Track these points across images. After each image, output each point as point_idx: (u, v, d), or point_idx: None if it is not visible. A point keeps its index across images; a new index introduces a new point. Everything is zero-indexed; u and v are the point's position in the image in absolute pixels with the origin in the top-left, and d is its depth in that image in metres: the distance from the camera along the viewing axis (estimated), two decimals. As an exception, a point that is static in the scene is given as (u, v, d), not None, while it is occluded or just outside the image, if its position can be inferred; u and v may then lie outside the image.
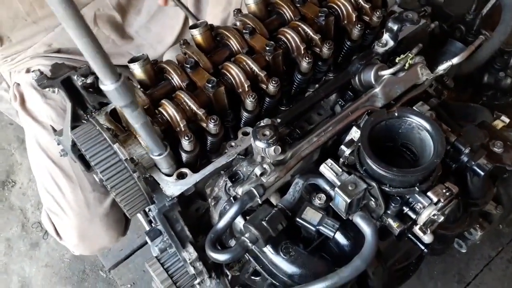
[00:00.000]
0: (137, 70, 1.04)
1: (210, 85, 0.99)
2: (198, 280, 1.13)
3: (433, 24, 1.32)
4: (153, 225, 1.28)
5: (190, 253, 1.05)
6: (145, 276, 2.10)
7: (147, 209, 1.10)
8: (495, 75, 1.55)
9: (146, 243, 2.17)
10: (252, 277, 1.24)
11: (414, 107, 1.00)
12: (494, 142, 1.06)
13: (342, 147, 0.97)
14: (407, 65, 1.05)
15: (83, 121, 1.15)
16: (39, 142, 1.46)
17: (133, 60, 1.04)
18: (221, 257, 0.89)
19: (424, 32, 1.25)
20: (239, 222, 0.98)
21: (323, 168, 0.91)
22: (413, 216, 0.91)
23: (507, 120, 1.15)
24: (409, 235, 1.00)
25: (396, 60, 1.06)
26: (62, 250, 2.31)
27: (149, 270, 1.15)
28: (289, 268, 0.95)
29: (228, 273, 1.14)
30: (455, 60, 1.07)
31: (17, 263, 2.34)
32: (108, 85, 0.73)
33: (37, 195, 2.42)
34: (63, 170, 1.43)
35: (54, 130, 1.23)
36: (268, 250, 0.96)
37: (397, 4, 1.25)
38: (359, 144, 0.89)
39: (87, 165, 1.17)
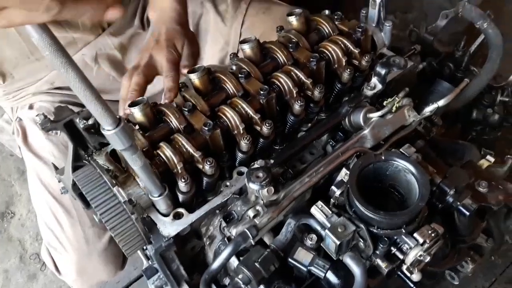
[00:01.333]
0: (137, 113, 1.09)
1: (206, 128, 1.04)
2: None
3: (421, 65, 1.38)
4: (149, 262, 1.31)
5: (185, 291, 1.07)
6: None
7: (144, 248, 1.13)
8: (483, 111, 1.60)
9: (142, 275, 2.17)
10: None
11: (401, 149, 1.05)
12: (479, 182, 1.10)
13: (333, 187, 1.01)
14: (394, 108, 1.10)
15: (84, 161, 1.20)
16: (40, 177, 1.50)
17: (133, 104, 1.09)
18: (215, 298, 0.91)
19: (412, 73, 1.31)
20: (233, 261, 1.01)
21: (314, 210, 0.94)
22: (401, 256, 0.94)
23: (492, 160, 1.20)
24: (399, 272, 1.03)
25: (384, 103, 1.11)
26: (59, 282, 2.31)
27: (145, 308, 1.17)
28: (282, 307, 0.97)
29: (223, 311, 1.16)
30: (440, 103, 1.12)
31: (14, 295, 2.35)
32: (108, 130, 0.77)
33: (36, 227, 2.44)
34: (63, 206, 1.47)
35: (56, 168, 1.27)
36: (261, 290, 0.98)
37: (386, 46, 1.31)
38: (348, 186, 0.93)
39: (86, 203, 1.21)
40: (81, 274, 1.50)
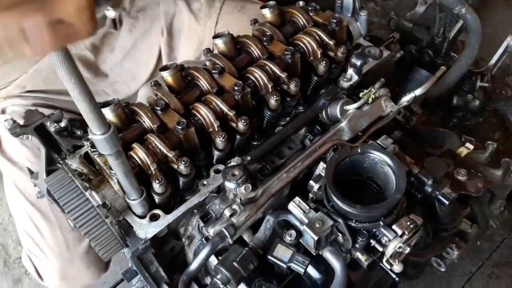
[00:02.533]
0: (109, 114, 1.06)
1: (180, 127, 1.02)
2: (176, 319, 1.13)
3: (398, 53, 1.37)
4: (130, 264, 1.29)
5: (166, 293, 1.06)
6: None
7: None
8: (464, 97, 1.60)
9: (130, 275, 2.15)
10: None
11: (378, 141, 1.04)
12: (458, 170, 1.10)
13: (311, 182, 1.00)
14: (370, 99, 1.09)
15: (58, 164, 1.17)
16: (16, 184, 1.46)
17: (104, 104, 1.06)
18: (194, 299, 0.90)
19: (389, 63, 1.29)
20: (213, 260, 1.00)
21: (291, 206, 0.93)
22: (380, 249, 0.93)
23: (471, 147, 1.19)
24: (381, 264, 1.02)
25: (360, 95, 1.10)
26: (45, 286, 2.28)
27: (127, 311, 1.15)
28: (263, 305, 0.96)
29: (206, 310, 1.15)
30: (417, 92, 1.11)
31: (0, 301, 2.31)
32: (97, 135, 0.77)
33: (18, 234, 2.40)
34: (41, 211, 1.43)
35: (31, 172, 1.24)
36: (242, 288, 0.97)
37: (362, 36, 1.30)
38: (325, 181, 0.92)
39: (62, 209, 1.18)
40: (64, 279, 1.47)
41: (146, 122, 1.06)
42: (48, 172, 1.14)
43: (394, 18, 1.62)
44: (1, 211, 2.56)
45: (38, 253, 1.45)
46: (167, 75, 1.12)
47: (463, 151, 1.18)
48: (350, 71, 1.15)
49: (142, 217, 1.01)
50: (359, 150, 0.94)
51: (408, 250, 0.94)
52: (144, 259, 1.01)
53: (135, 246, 0.97)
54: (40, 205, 1.43)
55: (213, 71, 1.12)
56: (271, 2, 1.22)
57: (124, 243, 0.99)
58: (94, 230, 0.95)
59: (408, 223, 0.92)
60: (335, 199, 0.89)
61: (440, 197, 1.02)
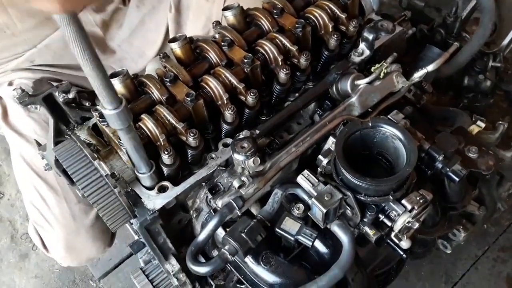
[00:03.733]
0: (117, 85, 1.05)
1: (189, 99, 1.01)
2: (183, 291, 1.14)
3: (410, 30, 1.35)
4: (137, 237, 1.29)
5: (172, 265, 1.06)
6: (134, 285, 2.11)
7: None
8: (475, 77, 1.58)
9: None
10: (238, 285, 1.25)
11: (388, 116, 1.02)
12: (469, 147, 1.08)
13: (320, 157, 0.99)
14: (382, 74, 1.07)
15: (65, 136, 1.16)
16: (24, 156, 1.46)
17: (113, 75, 1.05)
18: (201, 269, 0.90)
19: (401, 39, 1.27)
20: (220, 233, 1.00)
21: (300, 179, 0.92)
22: (389, 224, 0.93)
23: (482, 125, 1.18)
24: (388, 240, 1.02)
25: (372, 70, 1.08)
26: (52, 260, 2.30)
27: (134, 282, 1.16)
28: (269, 277, 0.96)
29: (212, 283, 1.16)
30: (430, 68, 1.09)
31: (6, 274, 2.34)
32: (109, 110, 0.78)
33: (25, 206, 2.42)
34: (48, 183, 1.44)
35: (39, 144, 1.24)
36: (249, 260, 0.97)
37: (374, 11, 1.27)
38: (335, 154, 0.91)
39: (70, 179, 1.18)
40: (69, 251, 1.49)
41: (155, 93, 1.05)
42: (56, 144, 1.14)
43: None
44: (9, 187, 2.58)
45: (45, 225, 1.46)
46: (176, 47, 1.10)
47: (474, 129, 1.16)
48: (362, 45, 1.13)
49: (150, 188, 1.01)
50: (369, 124, 0.93)
51: (417, 225, 0.94)
52: (152, 230, 1.01)
53: (143, 217, 0.97)
54: (47, 177, 1.43)
55: (222, 44, 1.10)
56: (282, -25, 1.20)
57: (132, 214, 0.99)
58: (102, 200, 0.95)
59: (418, 198, 0.91)
60: (344, 172, 0.88)
61: (451, 174, 1.01)
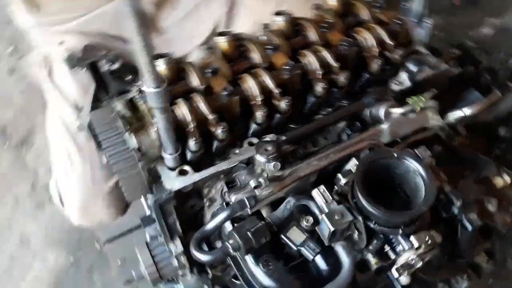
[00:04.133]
0: (161, 66, 1.09)
1: (225, 93, 1.04)
2: (180, 273, 1.18)
3: (455, 69, 1.34)
4: (149, 212, 1.34)
5: (176, 246, 1.10)
6: (136, 256, 2.17)
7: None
8: (512, 130, 1.55)
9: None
10: (234, 280, 1.28)
11: (416, 150, 1.02)
12: (489, 199, 1.07)
13: (339, 175, 1.00)
14: (418, 107, 1.07)
15: (103, 103, 1.21)
16: (60, 113, 1.53)
17: (159, 56, 1.10)
18: (203, 257, 0.93)
19: (444, 77, 1.26)
20: (228, 226, 1.03)
21: (315, 193, 0.94)
22: (393, 256, 0.94)
23: (509, 180, 1.16)
24: (388, 273, 1.02)
25: (408, 101, 1.08)
26: (65, 216, 2.39)
27: (137, 254, 1.20)
28: (265, 280, 0.98)
29: (209, 272, 1.19)
30: (466, 112, 1.09)
31: (20, 220, 2.44)
32: (150, 88, 0.83)
33: (51, 160, 2.51)
34: (77, 143, 1.50)
35: (76, 106, 1.30)
36: (249, 259, 0.99)
37: (422, 44, 1.27)
38: (354, 176, 0.92)
39: (99, 145, 1.23)
40: (84, 212, 1.55)
41: (195, 81, 1.09)
42: (93, 109, 1.19)
43: (456, 35, 1.57)
44: (39, 137, 2.68)
45: (65, 182, 1.52)
46: (222, 41, 1.14)
47: (499, 182, 1.15)
48: (403, 75, 1.13)
49: (171, 169, 1.04)
50: (395, 155, 0.94)
51: (420, 264, 0.94)
52: (165, 209, 1.04)
53: (159, 195, 1.01)
54: (77, 138, 1.49)
55: (268, 47, 1.13)
56: (339, -9, 1.21)
57: (150, 189, 1.03)
58: (125, 170, 1.00)
59: (427, 238, 0.91)
60: (360, 196, 0.89)
61: (465, 222, 1.01)
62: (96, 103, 1.21)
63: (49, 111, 1.61)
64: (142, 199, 1.85)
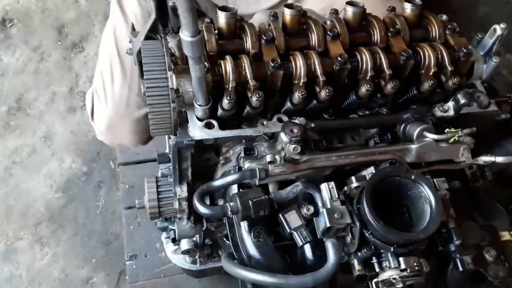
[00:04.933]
0: (222, 19, 1.11)
1: (272, 64, 1.05)
2: (178, 216, 1.24)
3: (504, 115, 1.30)
4: (168, 151, 1.39)
5: (182, 190, 1.15)
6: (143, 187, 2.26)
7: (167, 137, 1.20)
8: (541, 190, 1.51)
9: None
10: (224, 239, 1.33)
11: (435, 180, 1.02)
12: (489, 249, 1.07)
13: (353, 178, 1.01)
14: (452, 139, 1.06)
15: (158, 35, 1.25)
16: (116, 31, 1.58)
17: (223, 8, 1.11)
18: (202, 209, 0.97)
19: (491, 119, 1.23)
20: (234, 189, 1.07)
21: (323, 187, 0.96)
22: (377, 270, 0.96)
23: (515, 237, 1.15)
24: (369, 283, 1.05)
25: (446, 131, 1.07)
26: (91, 127, 2.49)
27: (144, 185, 1.27)
28: (252, 249, 1.03)
29: (204, 224, 1.24)
30: (498, 159, 1.07)
31: (51, 116, 2.57)
32: (186, 36, 0.84)
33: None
34: (123, 65, 1.55)
35: (133, 28, 1.33)
36: (243, 225, 1.04)
37: (481, 79, 1.24)
38: (366, 184, 0.94)
39: (142, 73, 1.28)
40: (109, 129, 1.62)
41: (248, 43, 1.10)
42: (146, 38, 1.22)
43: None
44: (91, 46, 2.76)
45: (101, 97, 1.59)
46: (288, 13, 1.13)
47: (505, 235, 1.14)
48: (450, 104, 1.11)
49: (200, 119, 1.08)
50: (413, 177, 0.94)
51: (400, 285, 0.96)
52: (182, 153, 1.09)
53: (181, 139, 1.05)
54: (125, 59, 1.55)
55: (329, 33, 1.12)
56: (418, 1, 1.18)
57: (174, 131, 1.07)
58: (157, 105, 1.03)
59: (415, 264, 0.93)
60: (365, 204, 0.91)
61: (458, 261, 1.02)
62: (151, 32, 1.24)
63: (108, 25, 1.66)
64: (167, 137, 1.92)
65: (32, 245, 2.32)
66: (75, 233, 2.35)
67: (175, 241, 1.50)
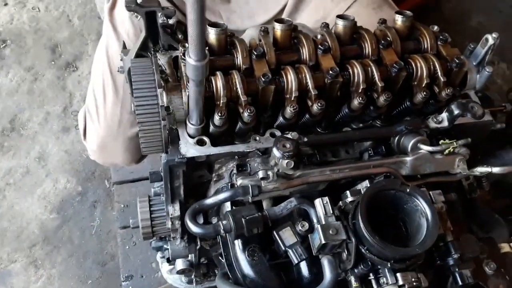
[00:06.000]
0: (212, 35, 1.10)
1: (263, 79, 1.04)
2: (171, 235, 1.21)
3: (499, 125, 1.29)
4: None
5: (175, 209, 1.13)
6: (138, 205, 2.24)
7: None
8: (539, 199, 1.50)
9: (154, 177, 2.28)
10: (220, 258, 1.31)
11: (430, 192, 1.01)
12: (489, 262, 1.05)
13: (347, 192, 1.00)
14: (447, 151, 1.05)
15: (148, 53, 1.24)
16: (108, 49, 1.57)
17: (213, 25, 1.10)
18: (194, 228, 0.95)
19: (485, 128, 1.22)
20: (227, 207, 1.05)
21: (317, 202, 0.94)
22: (375, 286, 0.93)
23: (516, 248, 1.13)
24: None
25: (440, 142, 1.06)
26: (85, 147, 2.48)
27: (137, 205, 1.25)
28: (246, 268, 1.00)
29: (198, 243, 1.22)
30: (495, 170, 1.06)
31: (45, 136, 2.55)
32: (192, 60, 0.83)
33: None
34: (115, 83, 1.55)
35: (125, 46, 1.33)
36: (237, 244, 1.02)
37: (475, 89, 1.23)
38: (360, 198, 0.92)
39: (133, 91, 1.27)
40: (102, 148, 1.60)
41: (239, 59, 1.09)
42: (137, 56, 1.22)
43: (516, 90, 1.51)
44: (85, 65, 2.77)
45: (94, 115, 1.58)
46: (278, 28, 1.13)
47: (505, 247, 1.12)
48: (444, 115, 1.10)
49: (191, 136, 1.06)
50: (408, 190, 0.93)
51: (398, 302, 0.94)
52: (173, 171, 1.07)
53: (172, 156, 1.03)
54: (117, 78, 1.54)
55: (319, 47, 1.12)
56: (408, 12, 1.18)
57: (165, 149, 1.06)
58: (148, 123, 1.02)
59: (413, 279, 0.91)
60: (360, 219, 0.89)
61: (457, 275, 0.99)
62: (142, 50, 1.24)
63: (100, 43, 1.66)
64: (162, 155, 1.91)
65: (26, 268, 2.28)
66: (70, 254, 2.31)
67: (170, 260, 1.48)
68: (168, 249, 1.35)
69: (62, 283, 2.24)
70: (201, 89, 0.91)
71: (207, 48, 1.12)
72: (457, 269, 0.99)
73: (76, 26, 2.87)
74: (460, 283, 0.99)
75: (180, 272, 1.45)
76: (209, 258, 1.47)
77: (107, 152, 1.62)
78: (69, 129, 2.56)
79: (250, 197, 0.97)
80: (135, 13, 1.20)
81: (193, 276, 1.57)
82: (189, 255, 1.34)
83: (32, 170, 2.46)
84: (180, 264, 1.44)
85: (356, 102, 1.07)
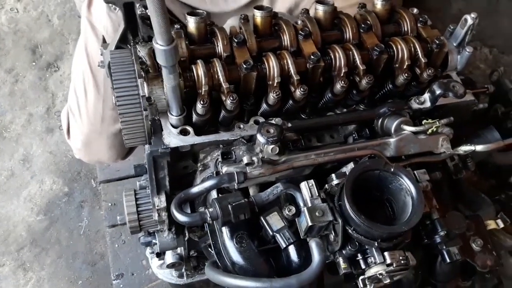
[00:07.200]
0: (191, 24, 1.09)
1: (245, 66, 1.03)
2: (158, 227, 1.20)
3: (481, 105, 1.30)
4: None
5: (161, 201, 1.12)
6: (126, 202, 2.21)
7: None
8: (524, 179, 1.52)
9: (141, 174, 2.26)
10: (209, 249, 1.30)
11: (415, 172, 1.01)
12: (476, 238, 1.06)
13: (333, 175, 1.00)
14: (430, 130, 1.06)
15: (128, 45, 1.22)
16: (87, 45, 1.55)
17: (192, 13, 1.10)
18: (180, 217, 0.94)
19: (468, 108, 1.23)
20: (213, 195, 1.04)
21: (303, 185, 0.94)
22: (363, 266, 0.94)
23: (501, 225, 1.14)
24: (356, 281, 1.03)
25: (423, 122, 1.07)
26: (70, 146, 2.45)
27: (123, 199, 1.23)
28: (235, 256, 1.00)
29: (187, 234, 1.21)
30: (478, 148, 1.07)
31: (28, 138, 2.51)
32: (159, 45, 0.82)
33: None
34: (96, 79, 1.53)
35: (104, 41, 1.31)
36: (225, 231, 1.01)
37: (456, 70, 1.24)
38: (346, 179, 0.92)
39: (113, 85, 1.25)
40: (86, 146, 1.58)
41: (219, 47, 1.08)
42: (117, 48, 1.20)
43: (498, 72, 1.53)
44: (66, 65, 2.72)
45: (76, 114, 1.56)
46: (258, 15, 1.13)
47: (491, 224, 1.13)
48: (426, 96, 1.11)
49: (174, 127, 1.05)
50: (392, 169, 0.93)
51: (388, 281, 0.94)
52: (158, 163, 1.06)
53: (156, 147, 1.02)
54: (97, 74, 1.52)
55: (300, 32, 1.11)
56: (388, -5, 1.18)
57: (148, 140, 1.05)
58: (129, 115, 1.01)
59: (401, 258, 0.91)
60: (345, 200, 0.89)
61: (444, 253, 1.00)
62: (121, 43, 1.22)
63: (79, 41, 1.64)
64: (146, 146, 1.89)
65: (15, 271, 2.25)
66: (59, 255, 2.28)
67: (159, 255, 1.46)
68: (156, 243, 1.34)
69: (52, 285, 2.21)
70: (175, 76, 0.90)
71: (185, 37, 1.11)
72: (444, 247, 1.00)
73: (56, 26, 2.83)
74: (448, 260, 1.00)
75: (170, 266, 1.43)
76: (198, 251, 1.46)
77: (92, 149, 1.60)
78: (53, 130, 2.52)
79: (236, 184, 0.96)
80: (113, 5, 1.18)
81: (183, 270, 1.55)
82: (178, 248, 1.33)
83: (17, 173, 2.42)
84: (169, 258, 1.42)
85: (338, 86, 1.07)
